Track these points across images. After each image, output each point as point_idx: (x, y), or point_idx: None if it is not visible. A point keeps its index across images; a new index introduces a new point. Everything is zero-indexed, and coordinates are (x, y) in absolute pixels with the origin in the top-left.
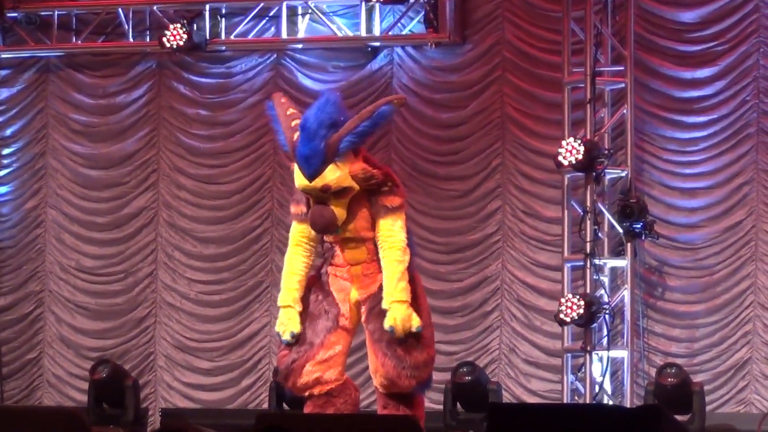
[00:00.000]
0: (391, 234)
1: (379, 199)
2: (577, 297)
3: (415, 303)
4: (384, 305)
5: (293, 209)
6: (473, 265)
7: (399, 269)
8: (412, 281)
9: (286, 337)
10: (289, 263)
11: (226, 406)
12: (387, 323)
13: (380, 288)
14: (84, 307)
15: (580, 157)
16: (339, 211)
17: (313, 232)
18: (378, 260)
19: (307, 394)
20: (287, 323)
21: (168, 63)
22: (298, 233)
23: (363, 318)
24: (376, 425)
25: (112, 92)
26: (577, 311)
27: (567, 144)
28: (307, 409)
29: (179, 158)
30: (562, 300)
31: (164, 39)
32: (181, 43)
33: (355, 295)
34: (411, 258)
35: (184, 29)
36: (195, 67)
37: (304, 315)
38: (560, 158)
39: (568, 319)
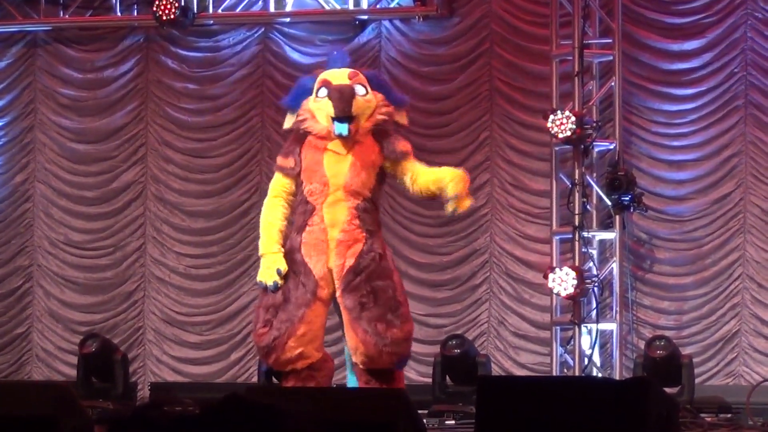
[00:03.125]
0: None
1: (392, 143)
2: (571, 274)
3: (390, 280)
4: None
5: (280, 161)
6: (462, 238)
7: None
8: (385, 259)
9: (274, 277)
10: (268, 213)
11: (215, 380)
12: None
13: (357, 260)
14: (73, 281)
15: (569, 133)
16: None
17: (294, 187)
18: (361, 228)
19: (289, 368)
20: (272, 265)
21: (156, 37)
22: (281, 186)
23: (338, 294)
24: (366, 399)
25: (99, 66)
26: (568, 289)
27: (560, 116)
28: (288, 383)
29: (167, 132)
30: (552, 275)
31: (157, 10)
32: (174, 14)
33: (332, 262)
34: (382, 232)
35: (176, 3)
36: (183, 41)
37: (282, 286)
38: (551, 127)
39: (556, 289)
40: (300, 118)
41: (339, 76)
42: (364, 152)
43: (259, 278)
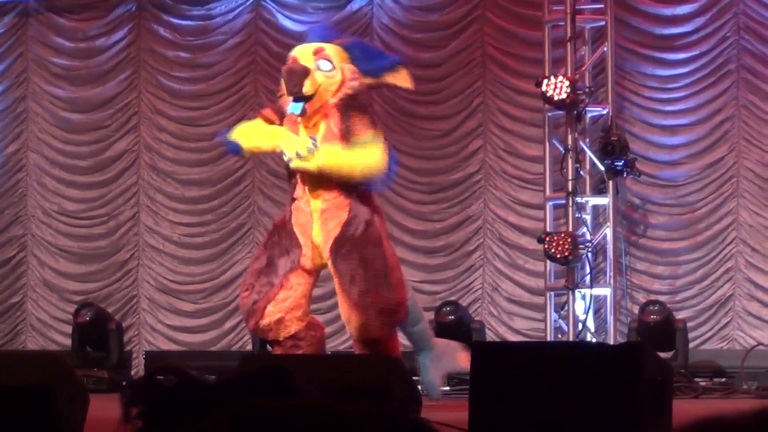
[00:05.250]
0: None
1: (350, 122)
2: (569, 240)
3: (379, 247)
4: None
5: (266, 113)
6: (455, 205)
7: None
8: (373, 225)
9: (309, 145)
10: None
11: (210, 348)
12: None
13: (342, 229)
14: (67, 250)
15: (565, 96)
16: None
17: None
18: (344, 195)
19: (271, 337)
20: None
21: (148, 5)
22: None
23: (330, 263)
24: (361, 365)
25: (91, 35)
26: (563, 251)
27: (554, 80)
28: (276, 352)
29: (160, 101)
30: (549, 239)
31: None
32: None
33: (317, 235)
34: (376, 203)
35: None
36: (175, 9)
37: (269, 252)
38: (546, 91)
39: (559, 255)
40: (279, 94)
41: (305, 53)
42: (332, 126)
43: (289, 150)
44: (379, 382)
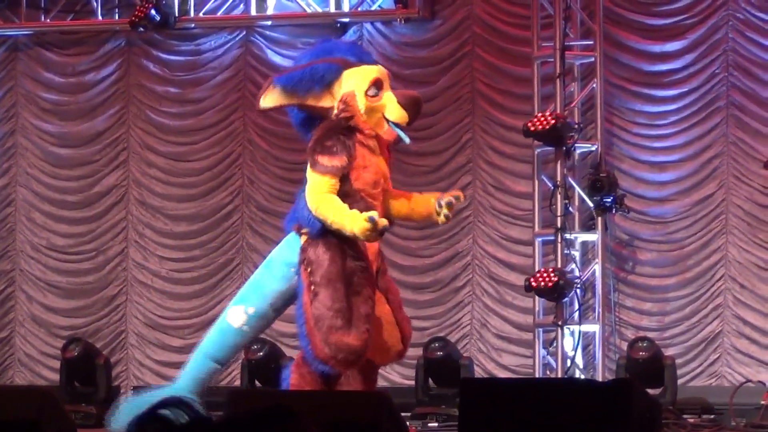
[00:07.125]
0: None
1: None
2: (552, 271)
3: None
4: None
5: (328, 161)
6: (444, 241)
7: None
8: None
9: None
10: (334, 201)
11: None
12: None
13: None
14: (55, 285)
15: (554, 121)
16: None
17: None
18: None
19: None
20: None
21: (137, 41)
22: (331, 186)
23: None
24: (350, 403)
25: (81, 70)
26: (549, 283)
27: (538, 116)
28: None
29: (149, 136)
30: (536, 275)
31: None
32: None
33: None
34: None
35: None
36: (164, 44)
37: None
38: (534, 129)
39: (551, 285)
40: (344, 114)
41: (387, 75)
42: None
43: (365, 232)
44: (368, 418)
